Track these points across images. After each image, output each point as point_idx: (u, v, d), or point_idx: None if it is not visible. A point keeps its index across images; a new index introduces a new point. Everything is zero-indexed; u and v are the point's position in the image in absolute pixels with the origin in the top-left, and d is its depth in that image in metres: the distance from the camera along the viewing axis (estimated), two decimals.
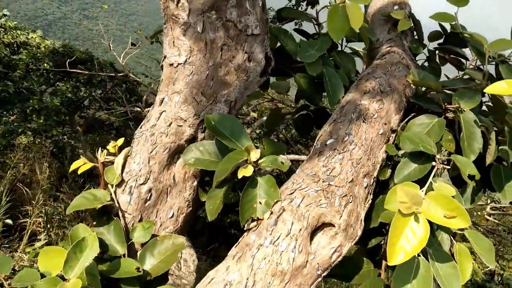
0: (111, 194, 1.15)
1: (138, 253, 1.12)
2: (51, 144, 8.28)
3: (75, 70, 5.76)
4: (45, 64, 7.97)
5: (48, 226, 4.83)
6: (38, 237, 4.78)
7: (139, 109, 6.41)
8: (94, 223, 1.14)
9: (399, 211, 0.98)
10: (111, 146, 1.29)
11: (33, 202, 5.08)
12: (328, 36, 1.35)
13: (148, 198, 1.18)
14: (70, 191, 6.06)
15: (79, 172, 1.24)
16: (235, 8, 1.15)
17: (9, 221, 2.48)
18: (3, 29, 9.51)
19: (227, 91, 1.24)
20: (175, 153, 1.23)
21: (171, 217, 1.21)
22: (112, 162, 1.28)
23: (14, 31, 9.54)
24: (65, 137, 8.98)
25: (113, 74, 6.04)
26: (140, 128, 1.25)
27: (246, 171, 1.03)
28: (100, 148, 1.30)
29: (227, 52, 1.19)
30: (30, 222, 4.79)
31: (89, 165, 1.26)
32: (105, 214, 1.14)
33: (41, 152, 6.95)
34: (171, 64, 1.21)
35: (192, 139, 1.24)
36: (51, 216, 4.83)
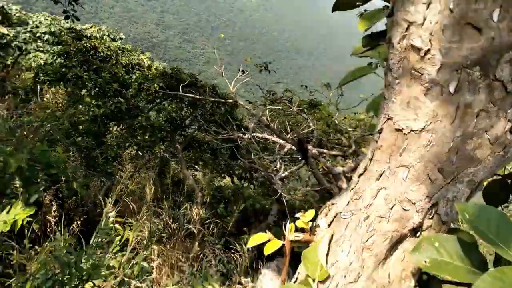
0: None
1: None
2: (153, 159, 8.66)
3: (187, 95, 5.90)
4: (155, 85, 8.44)
5: (149, 243, 4.88)
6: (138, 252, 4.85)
7: (244, 136, 6.36)
8: None
9: None
10: (302, 221, 1.04)
11: (137, 217, 5.21)
12: None
13: None
14: (169, 209, 6.15)
15: (265, 252, 1.01)
16: (509, 64, 0.84)
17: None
18: (121, 51, 10.43)
19: (474, 169, 0.92)
20: (395, 244, 0.94)
21: None
22: (300, 241, 1.04)
23: (130, 53, 10.40)
24: (161, 150, 9.39)
25: (223, 100, 6.08)
26: (348, 205, 0.99)
27: None
28: (286, 222, 1.07)
29: (484, 119, 0.89)
30: (133, 237, 4.90)
31: (277, 243, 1.02)
32: None
33: (145, 167, 7.26)
34: (400, 130, 0.94)
35: (418, 228, 0.95)
36: (153, 233, 4.88)
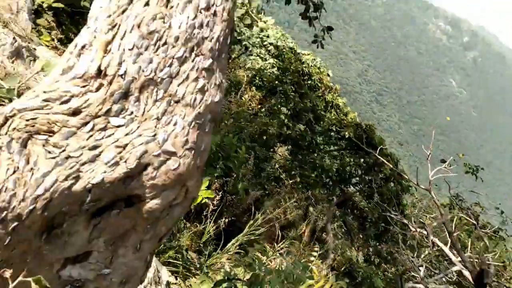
0: None
1: None
2: (304, 199, 8.54)
3: (371, 151, 5.56)
4: (346, 133, 8.34)
5: None
6: None
7: (413, 229, 5.64)
8: None
9: None
10: None
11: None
12: None
13: None
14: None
15: None
16: None
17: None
18: (328, 88, 10.70)
19: None
20: None
21: None
22: None
23: (334, 93, 10.60)
24: (315, 195, 9.17)
25: (415, 183, 5.52)
26: None
27: None
28: None
29: None
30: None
31: None
32: None
33: (297, 202, 7.19)
34: None
35: None
36: None
